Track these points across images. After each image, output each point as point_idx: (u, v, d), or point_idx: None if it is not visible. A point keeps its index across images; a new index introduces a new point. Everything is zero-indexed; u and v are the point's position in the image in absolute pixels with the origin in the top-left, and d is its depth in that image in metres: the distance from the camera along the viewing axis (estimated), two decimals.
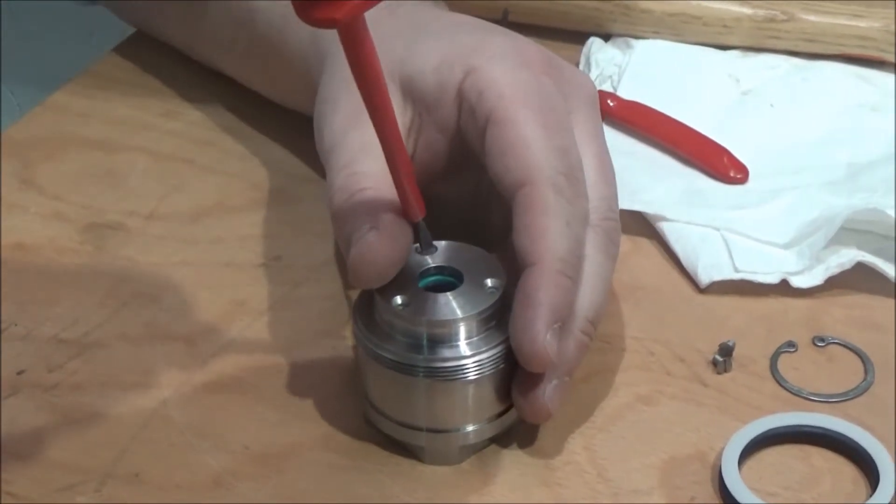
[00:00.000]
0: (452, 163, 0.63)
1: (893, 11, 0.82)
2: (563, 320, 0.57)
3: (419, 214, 0.58)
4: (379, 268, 0.56)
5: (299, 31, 0.70)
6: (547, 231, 0.57)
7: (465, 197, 0.65)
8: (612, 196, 0.62)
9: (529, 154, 0.58)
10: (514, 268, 0.58)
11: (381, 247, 0.56)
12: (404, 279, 0.58)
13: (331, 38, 0.67)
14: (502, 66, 0.61)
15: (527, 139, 0.59)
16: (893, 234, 0.67)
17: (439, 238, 0.59)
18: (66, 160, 0.77)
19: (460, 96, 0.61)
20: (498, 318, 0.58)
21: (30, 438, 0.60)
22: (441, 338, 0.57)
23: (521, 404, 0.58)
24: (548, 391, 0.58)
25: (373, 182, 0.59)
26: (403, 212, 0.58)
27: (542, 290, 0.56)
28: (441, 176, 0.63)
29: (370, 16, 0.51)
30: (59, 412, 0.62)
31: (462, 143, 0.62)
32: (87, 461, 0.59)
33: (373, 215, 0.57)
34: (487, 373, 0.57)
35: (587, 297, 0.59)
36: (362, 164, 0.60)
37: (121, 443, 0.60)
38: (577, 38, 0.85)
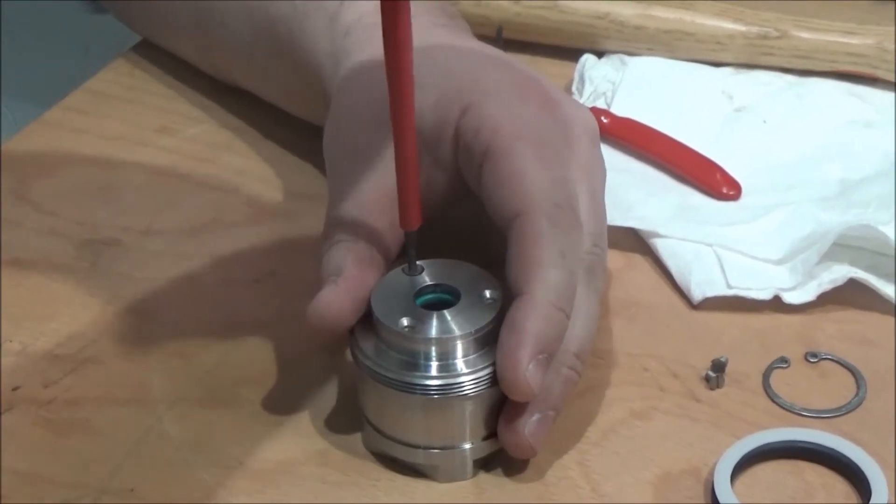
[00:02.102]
0: (450, 196, 0.64)
1: (885, 29, 0.82)
2: (550, 352, 0.57)
3: (415, 224, 0.58)
4: (327, 325, 0.58)
5: (318, 39, 0.71)
6: (540, 262, 0.57)
7: (462, 222, 0.65)
8: (600, 233, 0.62)
9: (525, 185, 0.58)
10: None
11: (332, 304, 0.58)
12: (403, 299, 0.58)
13: (349, 46, 0.68)
14: (498, 102, 0.61)
15: (522, 171, 0.59)
16: (886, 251, 0.68)
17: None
18: (62, 176, 0.78)
19: (457, 134, 0.61)
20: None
21: (25, 454, 0.60)
22: (445, 355, 0.57)
23: (504, 438, 0.58)
24: (529, 425, 0.58)
25: (351, 233, 0.60)
26: (401, 219, 0.58)
27: (528, 320, 0.56)
28: (439, 208, 0.63)
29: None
30: (54, 428, 0.62)
31: (460, 179, 0.63)
32: (82, 477, 0.59)
33: (336, 271, 0.59)
34: (490, 388, 0.57)
35: (573, 331, 0.59)
36: (350, 209, 0.61)
37: (116, 458, 0.60)
38: (571, 54, 0.85)
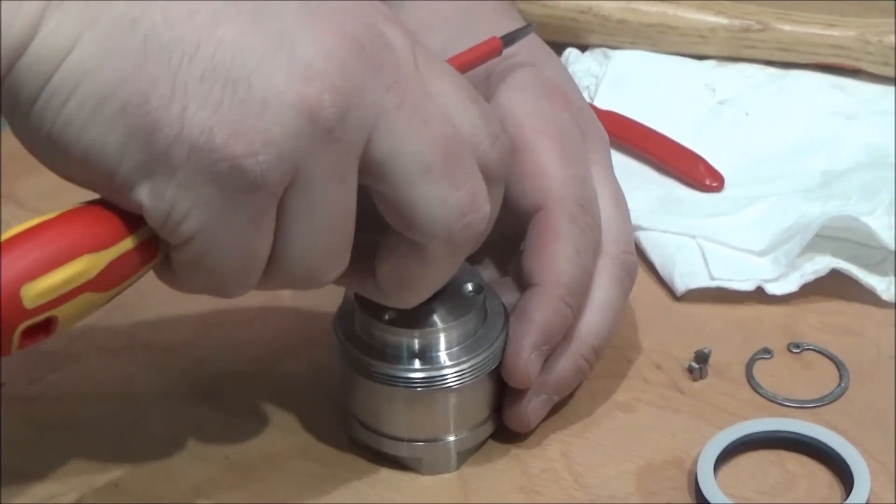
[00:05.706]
0: None
1: (867, 21, 0.82)
2: (552, 344, 0.58)
3: None
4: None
5: None
6: (555, 256, 0.58)
7: None
8: (630, 232, 0.63)
9: (547, 180, 0.59)
10: (517, 287, 0.60)
11: None
12: None
13: None
14: (523, 97, 0.62)
15: (545, 166, 0.60)
16: (868, 242, 0.68)
17: None
18: (46, 174, 0.76)
19: None
20: (483, 323, 0.58)
21: (10, 450, 0.60)
22: (428, 348, 0.57)
23: (507, 411, 0.59)
24: (532, 403, 0.59)
25: None
26: None
27: (537, 311, 0.58)
28: None
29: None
30: (39, 424, 0.62)
31: None
32: (67, 472, 0.59)
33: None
34: (473, 380, 0.58)
35: (594, 324, 0.60)
36: None
37: (101, 454, 0.60)
38: (555, 49, 0.84)
